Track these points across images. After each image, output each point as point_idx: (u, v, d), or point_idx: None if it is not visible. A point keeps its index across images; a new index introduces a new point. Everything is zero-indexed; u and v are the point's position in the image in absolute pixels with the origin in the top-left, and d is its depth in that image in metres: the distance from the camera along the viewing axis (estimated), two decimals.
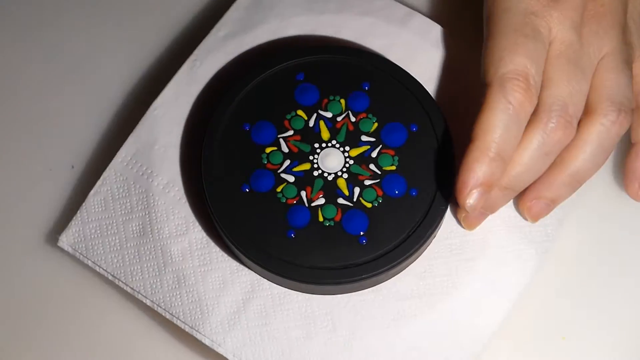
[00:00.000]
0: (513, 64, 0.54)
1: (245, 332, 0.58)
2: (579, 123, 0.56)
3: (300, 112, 0.59)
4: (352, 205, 0.56)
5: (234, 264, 0.59)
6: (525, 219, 0.58)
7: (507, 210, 0.59)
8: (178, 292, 0.58)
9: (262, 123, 0.58)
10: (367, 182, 0.57)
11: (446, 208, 0.56)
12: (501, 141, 0.54)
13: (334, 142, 0.58)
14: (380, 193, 0.57)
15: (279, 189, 0.57)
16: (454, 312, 0.58)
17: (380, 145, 0.58)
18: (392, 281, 0.58)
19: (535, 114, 0.55)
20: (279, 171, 0.57)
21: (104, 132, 0.66)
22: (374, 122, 0.58)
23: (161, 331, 0.61)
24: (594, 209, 0.60)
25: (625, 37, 0.57)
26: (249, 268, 0.58)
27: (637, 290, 0.61)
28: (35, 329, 0.62)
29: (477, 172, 0.54)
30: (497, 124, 0.53)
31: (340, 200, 0.57)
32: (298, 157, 0.58)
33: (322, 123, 0.58)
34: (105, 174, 0.61)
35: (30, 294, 0.62)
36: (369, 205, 0.56)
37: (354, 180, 0.57)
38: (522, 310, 0.60)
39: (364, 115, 0.58)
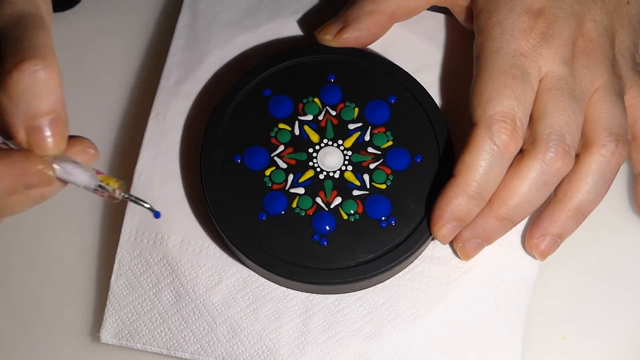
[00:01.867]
0: (501, 106, 0.55)
1: (318, 349, 0.57)
2: (578, 156, 0.56)
3: (282, 125, 0.58)
4: (367, 192, 0.57)
5: (280, 290, 0.58)
6: (534, 257, 0.59)
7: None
8: (238, 340, 0.57)
9: (252, 149, 0.58)
10: (372, 166, 0.57)
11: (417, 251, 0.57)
12: (482, 181, 0.54)
13: (325, 141, 0.58)
14: (389, 171, 0.57)
15: (294, 205, 0.57)
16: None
17: (370, 127, 0.58)
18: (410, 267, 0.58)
19: (532, 144, 0.55)
20: (286, 188, 0.57)
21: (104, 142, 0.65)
22: (353, 108, 0.58)
23: None
24: (595, 212, 0.60)
25: (615, 71, 0.58)
26: (296, 289, 0.58)
27: (637, 290, 0.61)
28: None
29: (453, 207, 0.55)
30: (481, 164, 0.54)
31: (356, 192, 0.57)
32: (299, 168, 0.57)
33: (306, 127, 0.58)
34: (118, 256, 0.60)
35: None
36: (382, 186, 0.57)
37: (359, 168, 0.57)
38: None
39: (342, 105, 0.59)
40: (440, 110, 0.59)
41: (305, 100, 0.59)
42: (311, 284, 0.56)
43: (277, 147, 0.58)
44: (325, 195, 0.57)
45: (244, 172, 0.57)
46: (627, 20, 0.59)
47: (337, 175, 0.57)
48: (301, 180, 0.57)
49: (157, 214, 0.51)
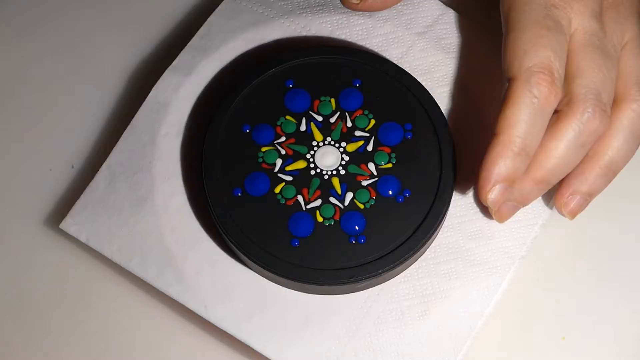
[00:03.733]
0: (537, 57, 0.53)
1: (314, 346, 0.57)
2: None
3: (289, 117, 0.58)
4: (345, 206, 0.56)
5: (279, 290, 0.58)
6: (563, 215, 0.57)
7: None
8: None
9: (262, 125, 0.58)
10: (364, 183, 0.57)
11: (444, 213, 0.56)
12: (526, 136, 0.53)
13: (328, 139, 0.58)
14: (374, 195, 0.56)
15: (277, 190, 0.57)
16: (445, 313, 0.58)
17: (374, 139, 0.57)
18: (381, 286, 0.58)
19: (568, 104, 0.54)
20: (274, 170, 0.57)
21: (104, 132, 0.66)
22: (370, 119, 0.58)
23: (167, 316, 0.62)
24: (594, 209, 0.60)
25: None
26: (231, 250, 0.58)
27: (637, 290, 0.61)
28: (42, 318, 0.62)
29: (500, 166, 0.53)
30: (522, 118, 0.53)
31: (333, 200, 0.56)
32: (293, 157, 0.57)
33: (312, 125, 0.58)
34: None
35: (33, 282, 0.62)
36: (361, 206, 0.56)
37: (349, 179, 0.57)
38: (522, 310, 0.60)
39: (359, 112, 0.58)
40: (408, 73, 0.58)
41: (322, 99, 0.59)
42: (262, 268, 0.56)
43: (280, 136, 0.58)
44: (308, 193, 0.57)
45: (247, 142, 0.58)
46: None
47: (326, 177, 0.57)
48: (288, 168, 0.57)
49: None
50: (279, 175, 0.57)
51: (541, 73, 0.53)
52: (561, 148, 0.54)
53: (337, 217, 0.56)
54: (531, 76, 0.53)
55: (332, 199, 0.56)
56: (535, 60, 0.53)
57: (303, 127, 0.58)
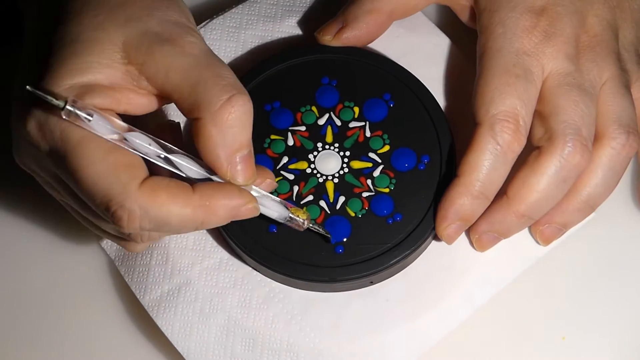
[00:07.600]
0: (503, 105, 0.55)
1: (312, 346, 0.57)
2: None
3: (314, 109, 0.59)
4: (333, 212, 0.56)
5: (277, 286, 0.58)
6: (537, 242, 0.59)
7: None
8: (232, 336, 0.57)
9: (282, 109, 0.59)
10: (375, 173, 0.57)
11: (424, 243, 0.57)
12: (486, 180, 0.55)
13: (336, 145, 0.58)
14: (367, 206, 0.57)
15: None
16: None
17: (383, 166, 0.58)
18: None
19: (549, 140, 0.55)
20: (277, 167, 0.57)
21: None
22: (353, 107, 0.59)
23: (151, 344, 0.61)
24: (597, 214, 0.60)
25: (620, 64, 0.58)
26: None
27: (637, 291, 0.61)
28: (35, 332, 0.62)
29: (457, 207, 0.55)
30: (484, 164, 0.55)
31: (322, 204, 0.57)
32: (298, 153, 0.58)
33: (329, 127, 0.59)
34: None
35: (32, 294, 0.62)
36: (352, 213, 0.57)
37: (345, 188, 0.57)
38: (522, 310, 0.60)
39: (340, 106, 0.59)
40: (437, 103, 0.59)
41: (303, 109, 0.59)
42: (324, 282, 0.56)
43: (275, 158, 0.58)
44: (303, 188, 0.57)
45: (264, 122, 0.58)
46: (630, 15, 0.59)
47: (321, 180, 0.57)
48: (292, 167, 0.57)
49: (333, 240, 0.56)
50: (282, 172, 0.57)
51: (505, 121, 0.55)
52: (543, 183, 0.55)
53: (366, 207, 0.57)
54: (495, 123, 0.55)
55: (358, 193, 0.57)
56: (500, 108, 0.55)
57: (291, 142, 0.58)
